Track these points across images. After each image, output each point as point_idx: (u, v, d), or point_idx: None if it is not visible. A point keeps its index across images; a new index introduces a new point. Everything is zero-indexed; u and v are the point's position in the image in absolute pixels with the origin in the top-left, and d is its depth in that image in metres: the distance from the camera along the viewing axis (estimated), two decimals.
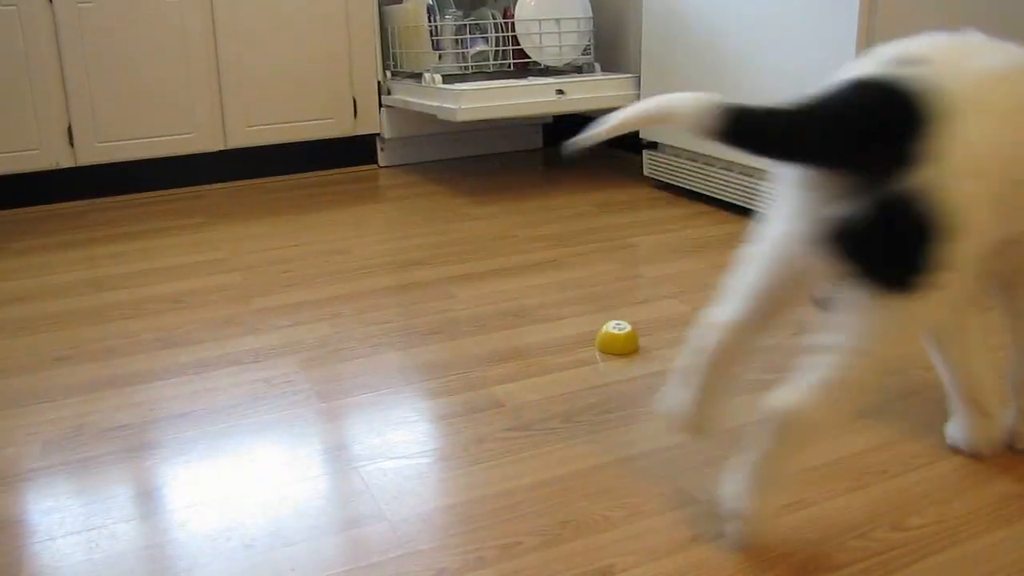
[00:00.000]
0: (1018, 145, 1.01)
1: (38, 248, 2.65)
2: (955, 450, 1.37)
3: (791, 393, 1.06)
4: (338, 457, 1.41)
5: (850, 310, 1.02)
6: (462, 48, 3.33)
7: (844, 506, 1.24)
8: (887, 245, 0.96)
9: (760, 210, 1.01)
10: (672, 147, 3.00)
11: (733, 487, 1.13)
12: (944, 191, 0.95)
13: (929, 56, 1.04)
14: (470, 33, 3.35)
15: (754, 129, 0.99)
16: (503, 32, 3.28)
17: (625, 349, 1.75)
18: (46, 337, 1.96)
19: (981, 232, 0.99)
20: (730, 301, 1.13)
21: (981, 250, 1.01)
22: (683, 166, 2.94)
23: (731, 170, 2.73)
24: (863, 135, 0.96)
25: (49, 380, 1.73)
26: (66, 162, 3.13)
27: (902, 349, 1.05)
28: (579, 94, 3.06)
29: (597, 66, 3.36)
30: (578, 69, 3.38)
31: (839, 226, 0.97)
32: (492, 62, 3.33)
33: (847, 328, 1.03)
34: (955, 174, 0.95)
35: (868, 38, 2.18)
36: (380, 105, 3.52)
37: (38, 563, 1.17)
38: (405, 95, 3.33)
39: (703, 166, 2.84)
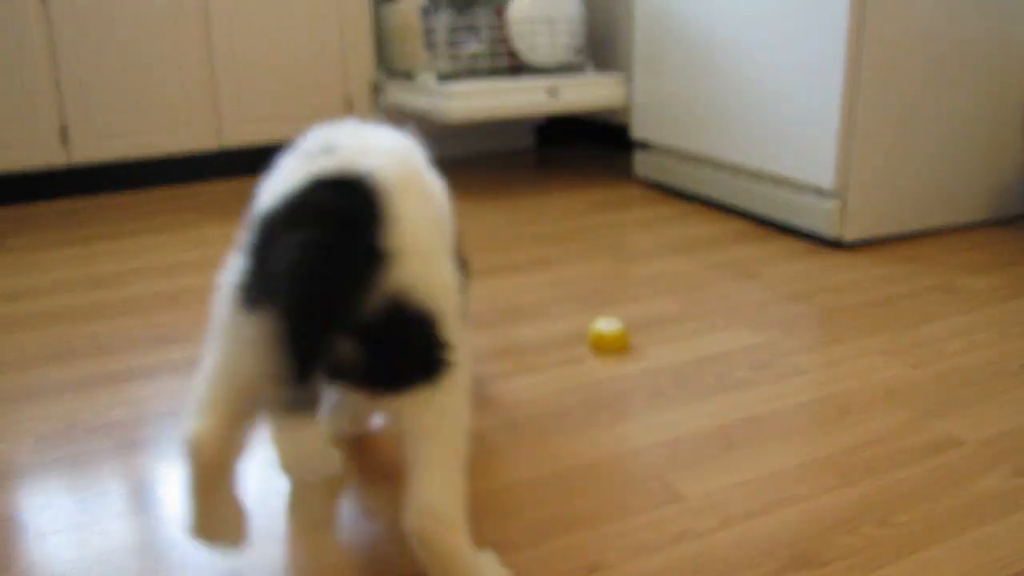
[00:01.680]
0: (429, 216, 1.01)
1: (32, 246, 2.65)
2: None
3: (427, 497, 0.97)
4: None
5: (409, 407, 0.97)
6: (455, 48, 3.34)
7: (831, 502, 1.25)
8: (402, 348, 0.94)
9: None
10: (663, 146, 3.01)
11: None
12: (418, 279, 0.93)
13: (340, 142, 1.02)
14: (464, 33, 3.35)
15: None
16: (496, 32, 3.29)
17: (615, 347, 1.76)
18: (39, 334, 1.97)
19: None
20: (206, 411, 0.99)
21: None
22: (674, 166, 2.95)
23: (722, 170, 2.74)
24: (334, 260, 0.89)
25: (42, 377, 1.73)
26: (60, 160, 3.12)
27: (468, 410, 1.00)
28: (571, 94, 3.07)
29: (589, 66, 3.37)
30: (570, 69, 3.39)
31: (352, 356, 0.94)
32: (485, 62, 3.34)
33: (417, 421, 0.97)
34: (414, 258, 0.94)
35: (858, 36, 2.20)
36: (374, 104, 3.52)
37: (29, 560, 1.18)
38: (398, 95, 3.34)
39: (694, 165, 2.85)
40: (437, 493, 0.96)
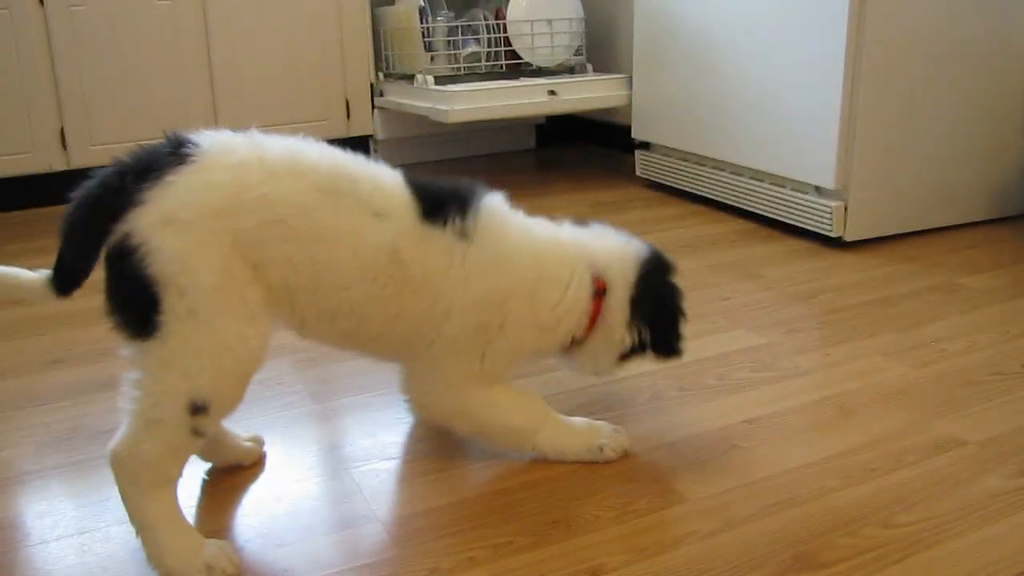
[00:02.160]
0: (258, 200, 1.11)
1: (32, 251, 2.65)
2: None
3: (118, 436, 1.11)
4: (331, 458, 1.42)
5: (138, 354, 1.10)
6: (454, 49, 3.34)
7: (834, 503, 1.25)
8: (118, 293, 1.08)
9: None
10: (664, 147, 3.01)
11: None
12: (151, 240, 1.05)
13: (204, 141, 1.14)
14: (462, 34, 3.35)
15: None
16: (495, 33, 3.29)
17: None
18: (40, 340, 1.97)
19: (215, 279, 1.08)
20: None
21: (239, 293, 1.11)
22: (675, 166, 2.95)
23: (723, 170, 2.74)
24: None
25: (43, 382, 1.73)
26: (59, 165, 3.12)
27: (194, 382, 1.08)
28: (571, 95, 3.07)
29: (589, 66, 3.37)
30: (570, 70, 3.39)
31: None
32: (484, 63, 3.34)
33: (141, 369, 1.10)
34: (162, 222, 1.06)
35: (858, 36, 2.19)
36: (373, 107, 3.52)
37: (31, 566, 1.18)
38: (397, 97, 3.33)
39: (695, 166, 2.85)
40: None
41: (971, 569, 1.11)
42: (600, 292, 1.35)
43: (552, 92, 3.03)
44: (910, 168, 2.36)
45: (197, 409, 1.09)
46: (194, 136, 1.12)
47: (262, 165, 1.12)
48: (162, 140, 1.12)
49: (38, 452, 1.46)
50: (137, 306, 1.07)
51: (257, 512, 1.28)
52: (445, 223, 1.22)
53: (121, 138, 3.17)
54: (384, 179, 1.22)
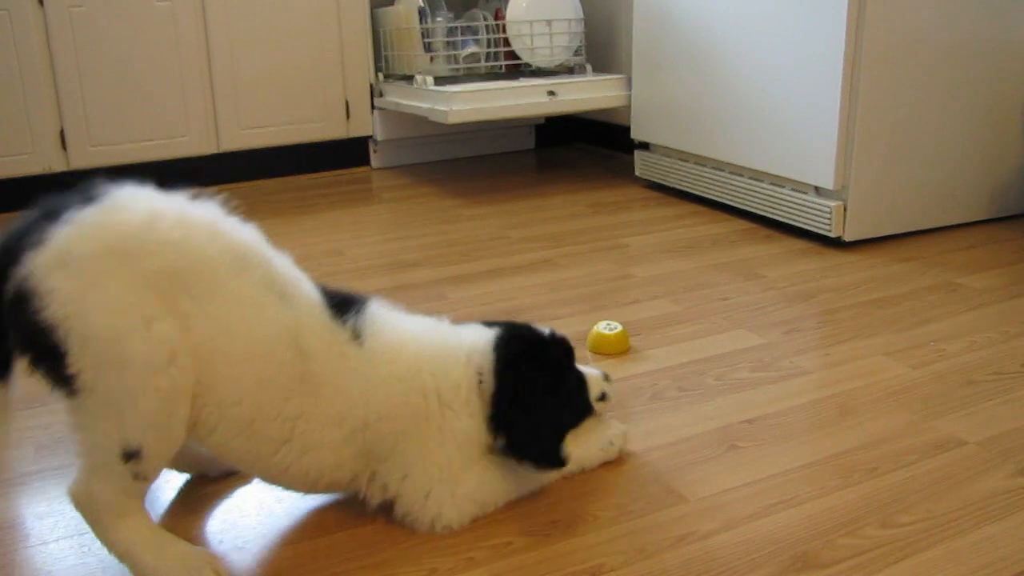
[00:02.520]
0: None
1: None
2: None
3: (74, 477, 1.10)
4: None
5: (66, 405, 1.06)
6: (454, 50, 3.34)
7: (833, 503, 1.25)
8: (25, 344, 1.03)
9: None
10: (664, 147, 3.01)
11: None
12: (46, 282, 1.00)
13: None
14: (461, 35, 3.35)
15: None
16: (494, 34, 3.29)
17: (616, 349, 1.76)
18: None
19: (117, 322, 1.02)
20: None
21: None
22: (675, 166, 2.95)
23: (722, 170, 2.74)
24: None
25: (38, 383, 1.73)
26: (59, 166, 3.13)
27: (122, 431, 1.04)
28: (570, 95, 3.07)
29: (588, 67, 3.37)
30: (569, 70, 3.39)
31: None
32: (484, 64, 3.34)
33: (72, 418, 1.07)
34: (57, 263, 1.01)
35: (857, 36, 2.19)
36: (372, 107, 3.52)
37: (31, 567, 1.18)
38: (397, 97, 3.34)
39: (695, 166, 2.85)
40: None
41: (971, 568, 1.11)
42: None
43: (551, 92, 3.03)
44: (909, 168, 2.36)
45: (130, 456, 1.05)
46: (116, 188, 1.09)
47: (177, 215, 1.08)
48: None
49: (38, 454, 1.46)
50: (46, 358, 1.02)
51: (257, 513, 1.28)
52: (345, 321, 1.18)
53: (120, 139, 3.18)
54: (296, 271, 1.19)
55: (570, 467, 1.33)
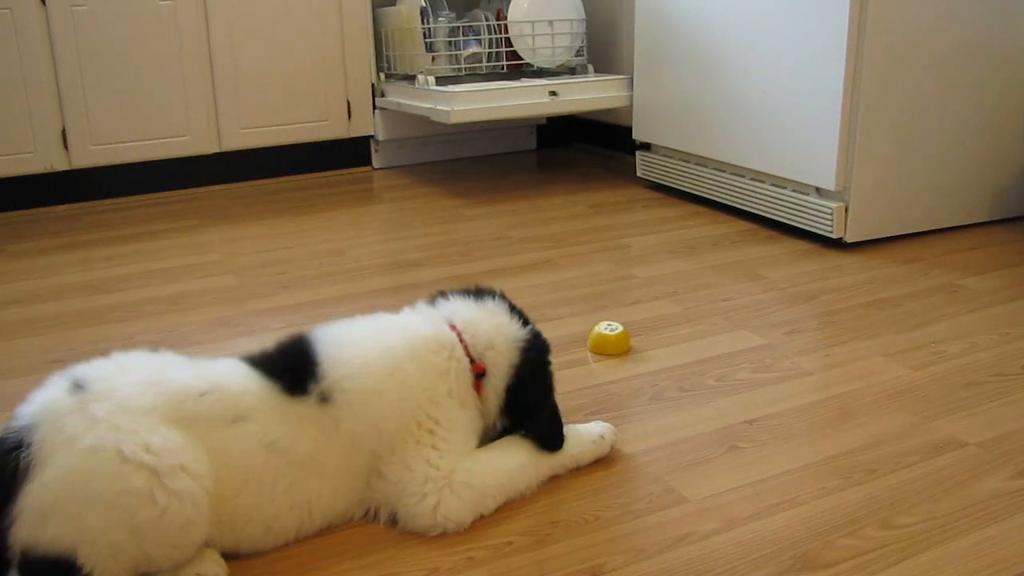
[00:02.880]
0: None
1: (33, 251, 2.65)
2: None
3: None
4: None
5: None
6: (455, 50, 3.34)
7: (833, 504, 1.25)
8: None
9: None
10: (665, 148, 3.01)
11: None
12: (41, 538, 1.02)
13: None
14: (463, 35, 3.35)
15: None
16: (496, 34, 3.29)
17: (617, 349, 1.76)
18: (41, 339, 1.97)
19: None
20: None
21: None
22: (676, 167, 2.95)
23: (723, 171, 2.74)
24: None
25: (44, 382, 1.73)
26: (60, 165, 3.13)
27: None
28: (572, 95, 3.07)
29: (590, 67, 3.37)
30: (571, 70, 3.39)
31: None
32: (485, 64, 3.34)
33: None
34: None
35: (859, 36, 2.19)
36: (374, 107, 3.52)
37: None
38: (399, 97, 3.34)
39: (696, 167, 2.85)
40: None
41: (972, 569, 1.11)
42: (480, 375, 1.30)
43: (553, 93, 3.03)
44: (911, 169, 2.36)
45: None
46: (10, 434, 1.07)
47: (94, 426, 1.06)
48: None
49: None
50: None
51: None
52: (307, 390, 1.19)
53: (122, 138, 3.18)
54: (230, 380, 1.18)
55: (564, 462, 1.34)
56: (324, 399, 1.19)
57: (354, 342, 1.25)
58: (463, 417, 1.27)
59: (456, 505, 1.20)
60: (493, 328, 1.31)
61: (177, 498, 1.04)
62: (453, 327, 1.30)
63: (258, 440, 1.14)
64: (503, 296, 1.37)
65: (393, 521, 1.23)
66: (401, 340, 1.26)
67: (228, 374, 1.19)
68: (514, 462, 1.28)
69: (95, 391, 1.10)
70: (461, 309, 1.33)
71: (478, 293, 1.36)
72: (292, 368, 1.21)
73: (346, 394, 1.19)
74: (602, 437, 1.38)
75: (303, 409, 1.18)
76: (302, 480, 1.17)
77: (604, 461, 1.38)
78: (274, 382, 1.19)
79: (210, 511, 1.09)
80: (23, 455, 1.03)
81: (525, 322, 1.34)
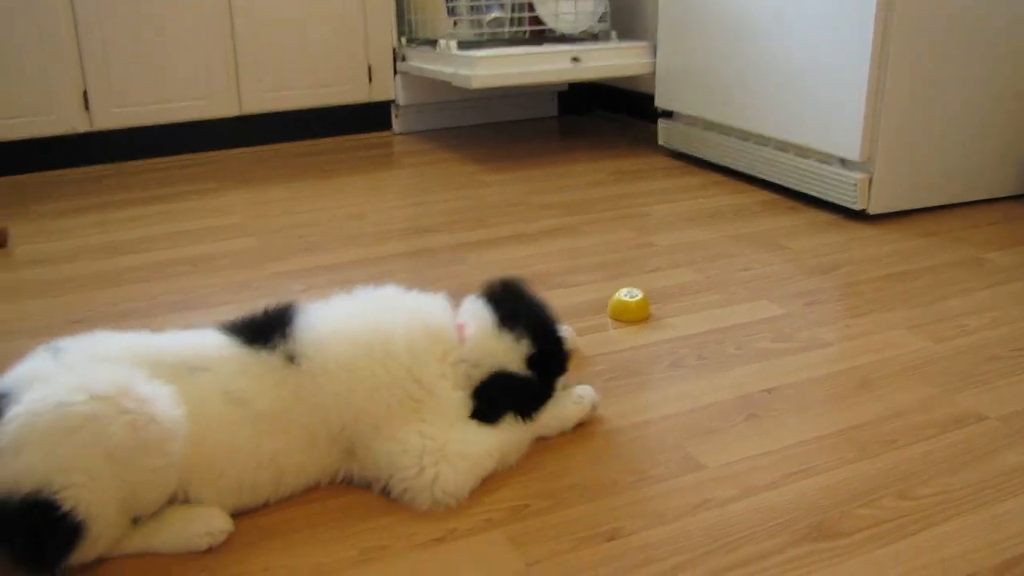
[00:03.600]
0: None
1: (55, 212, 2.67)
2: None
3: None
4: None
5: None
6: (477, 15, 3.31)
7: (852, 474, 1.25)
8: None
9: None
10: (688, 116, 2.99)
11: None
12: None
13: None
14: (485, 0, 3.33)
15: None
16: None
17: (636, 316, 1.76)
18: (62, 300, 1.98)
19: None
20: None
21: None
22: (699, 135, 2.93)
23: (747, 140, 2.72)
24: None
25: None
26: (82, 127, 3.14)
27: None
28: (595, 62, 3.05)
29: (613, 33, 3.34)
30: (594, 36, 3.36)
31: None
32: (507, 29, 3.31)
33: None
34: None
35: (887, 5, 2.16)
36: (395, 71, 3.51)
37: None
38: (420, 62, 3.32)
39: (719, 135, 2.83)
40: None
41: (988, 542, 1.10)
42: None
43: (575, 59, 3.01)
44: (936, 142, 2.33)
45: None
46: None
47: (65, 368, 1.10)
48: None
49: None
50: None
51: None
52: (271, 346, 1.21)
53: (143, 101, 3.18)
54: (194, 337, 1.22)
55: (549, 423, 1.35)
56: (290, 359, 1.20)
57: (345, 316, 1.26)
58: (456, 396, 1.26)
59: (454, 478, 1.20)
60: (487, 351, 1.30)
61: (148, 418, 1.06)
62: (461, 329, 1.31)
63: (217, 389, 1.17)
64: (533, 312, 1.36)
65: (386, 493, 1.23)
66: (400, 323, 1.26)
67: (195, 335, 1.23)
68: (503, 429, 1.28)
69: (70, 350, 1.15)
70: (478, 318, 1.33)
71: (508, 314, 1.33)
72: (262, 327, 1.23)
73: (311, 361, 1.20)
74: (581, 398, 1.38)
75: (266, 364, 1.20)
76: (265, 435, 1.18)
77: (622, 427, 1.38)
78: (238, 337, 1.22)
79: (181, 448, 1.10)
80: (1, 402, 1.06)
81: (537, 338, 1.32)
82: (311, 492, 1.24)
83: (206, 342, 1.22)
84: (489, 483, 1.24)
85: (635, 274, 2.02)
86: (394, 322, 1.26)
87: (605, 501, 1.20)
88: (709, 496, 1.21)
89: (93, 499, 1.03)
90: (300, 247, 2.26)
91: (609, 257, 2.13)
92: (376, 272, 2.06)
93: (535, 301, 1.38)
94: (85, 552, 1.05)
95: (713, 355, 1.61)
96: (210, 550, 1.12)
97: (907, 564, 1.07)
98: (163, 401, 1.09)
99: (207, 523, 1.13)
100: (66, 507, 1.01)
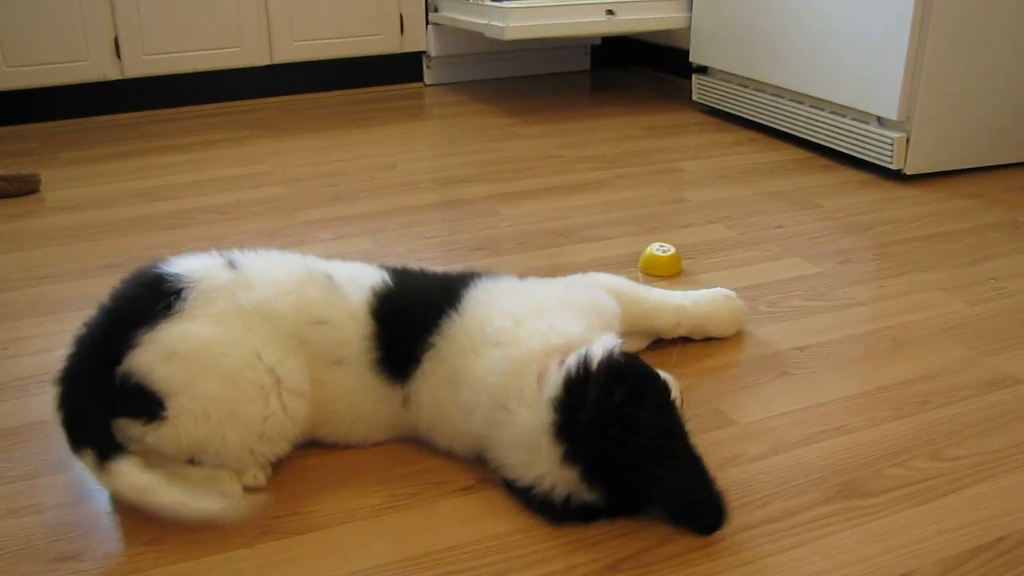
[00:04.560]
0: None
1: (87, 159, 2.68)
2: None
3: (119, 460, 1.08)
4: None
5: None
6: None
7: (884, 434, 1.24)
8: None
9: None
10: (723, 72, 2.94)
11: None
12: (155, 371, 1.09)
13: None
14: None
15: None
16: None
17: (668, 271, 1.75)
18: (95, 245, 1.99)
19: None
20: None
21: None
22: (733, 91, 2.89)
23: (782, 97, 2.67)
24: None
25: (97, 286, 1.75)
26: (113, 74, 3.13)
27: (195, 453, 1.11)
28: (629, 15, 3.00)
29: None
30: None
31: None
32: None
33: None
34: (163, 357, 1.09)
35: None
36: (427, 22, 3.47)
37: (70, 465, 1.21)
38: (452, 12, 3.28)
39: (754, 92, 2.79)
40: None
41: (1020, 507, 1.09)
42: None
43: (610, 12, 2.96)
44: (978, 102, 2.28)
45: (192, 462, 1.12)
46: (170, 276, 1.15)
47: (239, 314, 1.13)
48: (139, 285, 1.16)
49: None
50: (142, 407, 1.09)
51: None
52: (399, 383, 1.17)
53: (174, 48, 3.17)
54: (348, 316, 1.18)
55: None
56: (405, 401, 1.18)
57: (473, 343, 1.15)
58: None
59: None
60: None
61: (284, 411, 1.11)
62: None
63: (346, 391, 1.17)
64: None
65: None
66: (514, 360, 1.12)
67: (352, 307, 1.18)
68: None
69: (245, 276, 1.17)
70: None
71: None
72: (405, 327, 1.18)
73: (418, 408, 1.18)
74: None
75: (387, 387, 1.18)
76: (375, 434, 1.22)
77: None
78: (379, 351, 1.17)
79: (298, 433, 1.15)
80: (175, 300, 1.12)
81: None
82: None
83: (355, 332, 1.17)
84: None
85: (667, 229, 2.00)
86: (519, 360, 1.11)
87: None
88: (739, 452, 1.20)
89: (187, 430, 1.08)
90: (330, 196, 2.26)
91: (641, 211, 2.11)
92: (408, 222, 2.06)
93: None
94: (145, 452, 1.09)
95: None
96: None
97: (939, 524, 1.06)
98: (301, 402, 1.13)
99: (224, 486, 1.12)
100: (162, 416, 1.07)
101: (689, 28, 3.05)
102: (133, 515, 1.09)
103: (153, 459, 1.09)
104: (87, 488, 1.16)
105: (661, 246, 1.76)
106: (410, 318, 1.18)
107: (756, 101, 2.78)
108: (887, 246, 1.90)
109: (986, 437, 1.23)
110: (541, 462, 1.04)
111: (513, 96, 3.37)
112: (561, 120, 3.00)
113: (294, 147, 2.73)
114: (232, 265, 1.19)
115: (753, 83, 2.80)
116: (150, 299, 1.13)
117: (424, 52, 3.54)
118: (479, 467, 1.17)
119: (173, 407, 1.07)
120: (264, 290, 1.16)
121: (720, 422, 1.27)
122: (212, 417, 1.08)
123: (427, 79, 3.60)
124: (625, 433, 1.00)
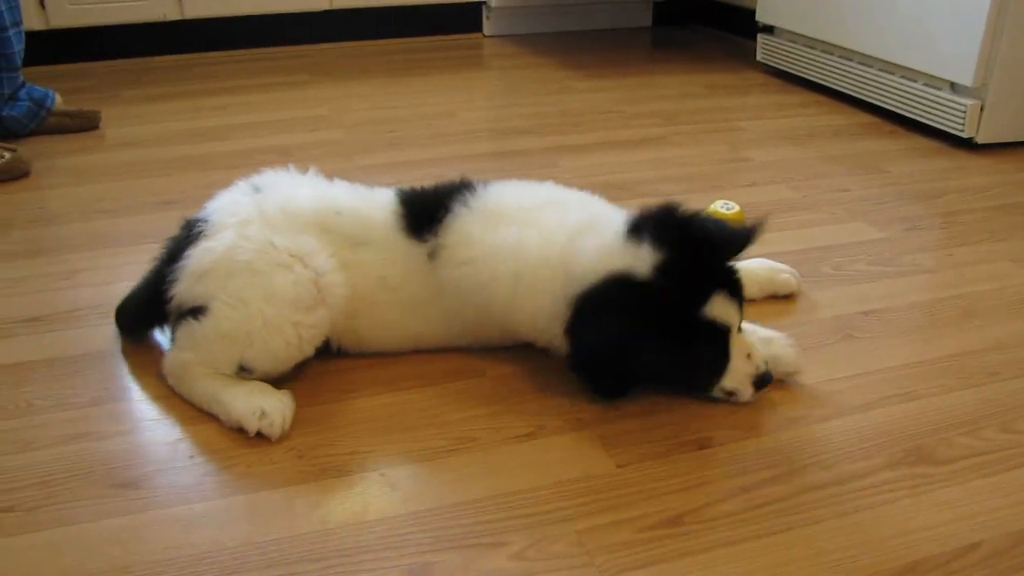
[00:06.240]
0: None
1: (145, 98, 2.68)
2: None
3: (171, 356, 1.22)
4: None
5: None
6: None
7: (953, 403, 1.21)
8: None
9: None
10: (790, 32, 2.87)
11: None
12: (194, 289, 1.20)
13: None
14: None
15: None
16: None
17: None
18: (152, 182, 2.00)
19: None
20: None
21: None
22: (800, 52, 2.82)
23: (850, 59, 2.60)
24: None
25: (154, 222, 1.76)
26: (173, 15, 3.13)
27: (245, 354, 1.18)
28: None
29: None
30: None
31: None
32: None
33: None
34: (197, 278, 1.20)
35: None
36: None
37: (131, 395, 1.21)
38: None
39: (821, 54, 2.72)
40: None
41: None
42: None
43: None
44: None
45: (243, 370, 1.18)
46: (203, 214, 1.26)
47: (260, 219, 1.22)
48: (181, 228, 1.28)
49: None
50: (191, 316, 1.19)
51: (368, 363, 1.29)
52: (422, 239, 1.25)
53: None
54: (367, 205, 1.28)
55: None
56: (432, 256, 1.24)
57: (496, 214, 1.24)
58: None
59: None
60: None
61: (311, 279, 1.18)
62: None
63: (374, 270, 1.24)
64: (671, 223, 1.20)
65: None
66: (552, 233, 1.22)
67: (369, 200, 1.29)
68: None
69: (267, 192, 1.27)
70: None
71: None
72: (425, 210, 1.26)
73: (448, 267, 1.23)
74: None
75: (416, 258, 1.24)
76: (410, 318, 1.27)
77: None
78: (404, 215, 1.26)
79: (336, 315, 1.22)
80: (199, 228, 1.22)
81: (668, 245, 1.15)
82: (404, 381, 1.24)
83: (375, 218, 1.26)
84: (581, 384, 1.22)
85: (728, 188, 1.96)
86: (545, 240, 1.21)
87: (697, 410, 1.18)
88: (804, 413, 1.18)
89: (233, 322, 1.16)
90: (388, 142, 2.24)
91: (701, 169, 2.08)
92: (464, 169, 2.03)
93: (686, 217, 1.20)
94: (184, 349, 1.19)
95: (810, 274, 1.56)
96: (294, 434, 1.13)
97: (1010, 497, 1.03)
98: (331, 276, 1.20)
99: (265, 403, 1.14)
100: (205, 310, 1.16)
101: None
102: (191, 445, 1.10)
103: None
104: (147, 418, 1.17)
105: (725, 203, 1.73)
106: (431, 197, 1.29)
107: (823, 63, 2.72)
108: (955, 215, 1.85)
109: None
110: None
111: (572, 50, 3.32)
112: (621, 75, 2.95)
113: (352, 92, 2.72)
114: (257, 188, 1.29)
115: (821, 44, 2.73)
116: (184, 236, 1.25)
117: (484, 2, 3.50)
118: (538, 415, 1.16)
119: (214, 305, 1.16)
120: (285, 192, 1.27)
121: (784, 383, 1.24)
122: (248, 301, 1.16)
123: (486, 30, 3.56)
124: None
